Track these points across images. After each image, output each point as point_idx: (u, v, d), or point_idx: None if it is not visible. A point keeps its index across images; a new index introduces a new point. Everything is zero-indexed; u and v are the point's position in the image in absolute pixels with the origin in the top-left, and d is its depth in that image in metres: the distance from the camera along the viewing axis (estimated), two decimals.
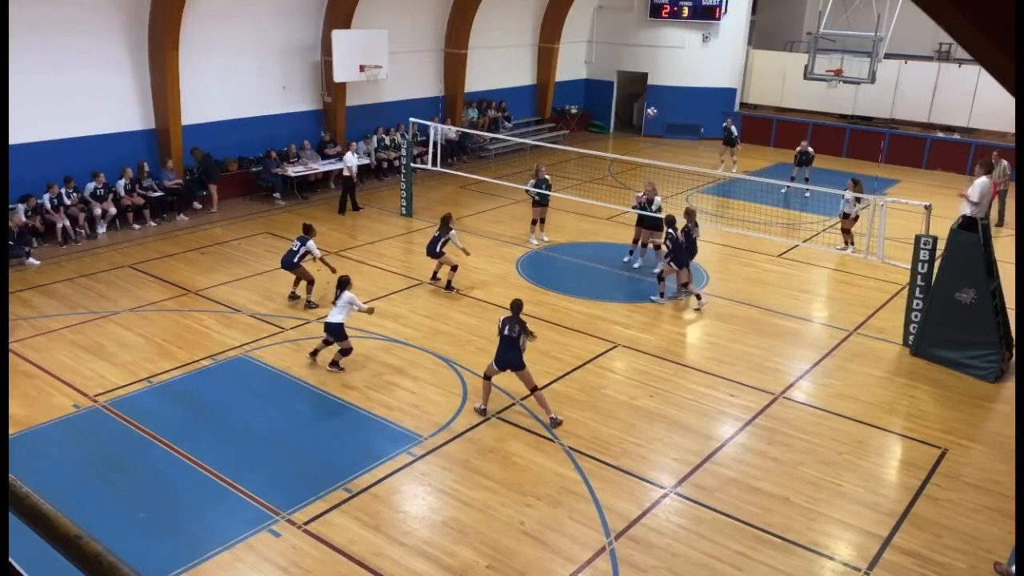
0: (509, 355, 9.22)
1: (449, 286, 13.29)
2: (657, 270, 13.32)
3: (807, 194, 19.08)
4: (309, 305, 12.42)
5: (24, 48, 14.04)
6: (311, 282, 12.47)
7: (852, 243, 15.29)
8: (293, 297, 12.68)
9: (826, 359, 11.37)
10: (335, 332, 10.33)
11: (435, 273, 13.66)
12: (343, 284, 10.44)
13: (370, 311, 10.78)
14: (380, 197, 18.78)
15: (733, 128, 22.29)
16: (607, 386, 10.33)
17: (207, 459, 8.46)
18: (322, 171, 19.01)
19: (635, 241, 14.81)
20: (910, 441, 9.35)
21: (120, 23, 15.77)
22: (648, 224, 14.38)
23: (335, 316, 10.32)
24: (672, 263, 12.85)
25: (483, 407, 9.50)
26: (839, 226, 15.82)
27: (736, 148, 22.23)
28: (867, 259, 13.16)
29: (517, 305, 9.49)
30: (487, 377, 9.48)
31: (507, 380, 10.29)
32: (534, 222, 15.91)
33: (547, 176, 15.82)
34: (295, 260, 12.32)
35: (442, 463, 8.56)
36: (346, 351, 10.41)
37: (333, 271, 11.87)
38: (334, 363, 10.43)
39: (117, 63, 15.93)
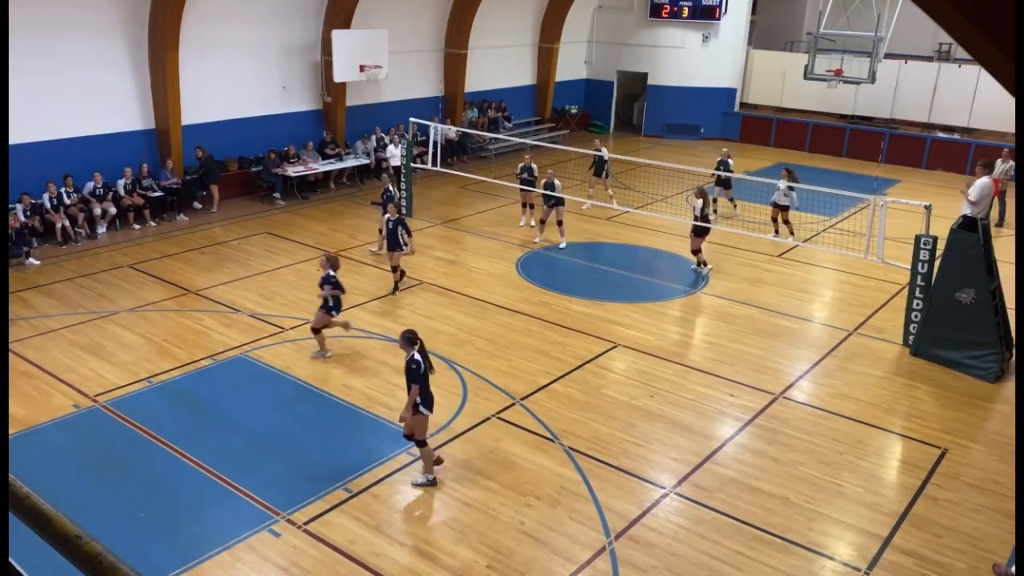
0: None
1: (396, 288, 13.13)
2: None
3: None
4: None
5: (24, 48, 14.04)
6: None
7: (785, 233, 15.87)
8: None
9: (826, 359, 11.36)
10: None
11: (401, 273, 13.22)
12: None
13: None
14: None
15: (604, 151, 18.12)
16: (607, 386, 10.33)
17: (207, 459, 8.46)
18: (322, 171, 19.02)
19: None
20: (910, 441, 9.35)
21: (120, 23, 15.77)
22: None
23: None
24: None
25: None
26: (770, 215, 16.31)
27: (607, 180, 18.44)
28: (867, 259, 13.16)
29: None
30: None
31: (507, 380, 10.29)
32: (524, 205, 16.80)
33: (533, 164, 16.40)
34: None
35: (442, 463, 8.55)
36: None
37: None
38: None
39: (117, 63, 15.93)
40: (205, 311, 12.27)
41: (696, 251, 14.31)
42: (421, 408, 7.98)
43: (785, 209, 15.95)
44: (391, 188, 14.70)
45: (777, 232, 15.92)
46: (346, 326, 10.93)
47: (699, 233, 14.16)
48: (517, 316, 12.38)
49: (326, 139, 19.63)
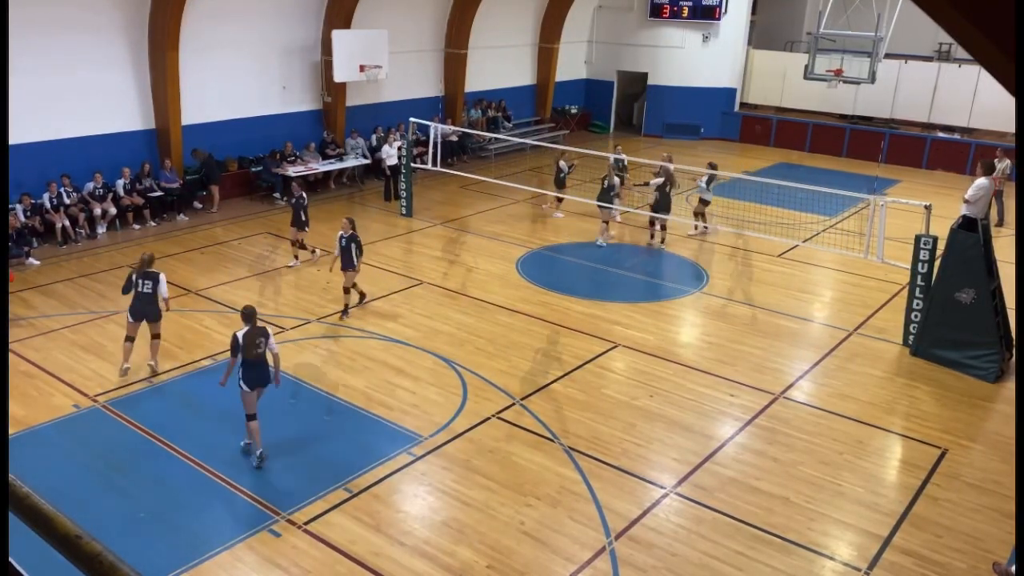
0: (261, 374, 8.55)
1: (360, 300, 12.45)
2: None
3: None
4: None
5: (24, 48, 14.04)
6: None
7: (705, 226, 16.51)
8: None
9: (826, 359, 11.36)
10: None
11: (360, 295, 12.46)
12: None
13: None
14: (380, 197, 18.77)
15: (624, 157, 17.71)
16: (607, 386, 10.33)
17: (207, 459, 8.46)
18: (322, 171, 19.02)
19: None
20: (910, 441, 9.35)
21: (120, 23, 15.76)
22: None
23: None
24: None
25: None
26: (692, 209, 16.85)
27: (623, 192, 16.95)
28: (867, 259, 13.16)
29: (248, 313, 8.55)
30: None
31: (507, 380, 10.28)
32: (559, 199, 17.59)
33: (563, 162, 17.60)
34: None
35: (442, 463, 8.56)
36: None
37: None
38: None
39: (117, 63, 15.92)
40: (205, 311, 12.27)
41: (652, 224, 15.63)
42: (241, 383, 8.35)
43: (706, 203, 16.37)
44: (304, 195, 13.94)
45: (696, 226, 16.53)
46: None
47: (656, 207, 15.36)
48: (517, 316, 12.38)
49: (327, 139, 19.62)
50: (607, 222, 15.84)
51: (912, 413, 9.98)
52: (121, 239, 15.45)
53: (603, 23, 27.68)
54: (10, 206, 14.13)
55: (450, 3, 22.35)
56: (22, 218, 14.27)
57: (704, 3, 25.70)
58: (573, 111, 27.38)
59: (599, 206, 15.74)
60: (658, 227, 15.70)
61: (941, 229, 11.57)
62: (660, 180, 15.23)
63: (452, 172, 19.05)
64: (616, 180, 15.57)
